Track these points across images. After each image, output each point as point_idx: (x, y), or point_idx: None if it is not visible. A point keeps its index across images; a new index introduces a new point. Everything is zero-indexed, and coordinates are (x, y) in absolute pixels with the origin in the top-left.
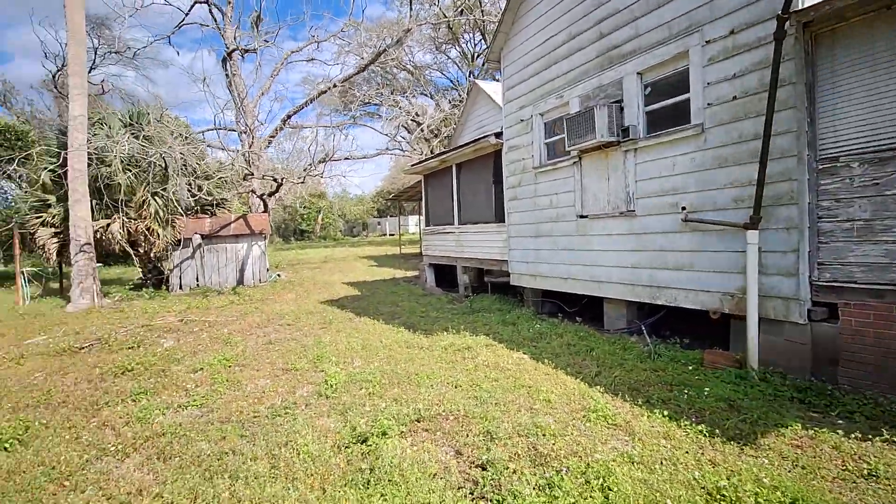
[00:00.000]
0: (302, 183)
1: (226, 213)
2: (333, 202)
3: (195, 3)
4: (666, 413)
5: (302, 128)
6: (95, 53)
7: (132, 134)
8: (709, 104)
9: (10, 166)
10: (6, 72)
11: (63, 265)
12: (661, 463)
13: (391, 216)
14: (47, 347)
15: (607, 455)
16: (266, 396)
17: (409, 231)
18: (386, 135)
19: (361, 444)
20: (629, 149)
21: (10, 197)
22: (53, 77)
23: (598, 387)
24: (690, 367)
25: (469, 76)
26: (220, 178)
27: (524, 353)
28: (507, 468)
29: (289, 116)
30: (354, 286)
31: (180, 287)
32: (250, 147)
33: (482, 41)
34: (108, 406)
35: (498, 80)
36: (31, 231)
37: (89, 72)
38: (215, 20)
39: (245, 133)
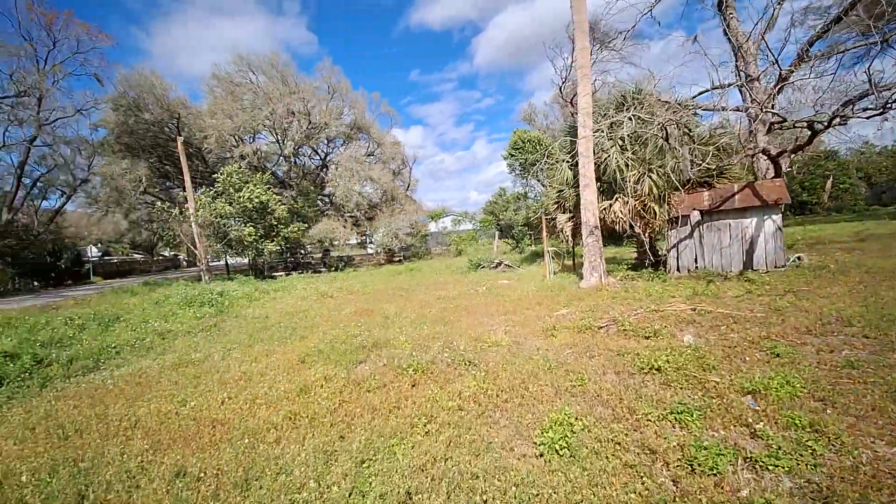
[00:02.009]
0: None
1: (726, 184)
2: (849, 160)
3: None
4: None
5: (828, 56)
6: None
7: (628, 117)
8: None
9: (535, 167)
10: (533, 101)
11: (574, 245)
12: None
13: None
14: (571, 321)
15: None
16: None
17: None
18: None
19: None
20: None
21: (537, 192)
22: (560, 88)
23: None
24: None
25: None
26: (722, 142)
27: None
28: None
29: (810, 44)
30: None
31: (677, 269)
32: (767, 93)
33: None
34: (651, 422)
35: None
36: (553, 217)
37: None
38: None
39: (747, 84)
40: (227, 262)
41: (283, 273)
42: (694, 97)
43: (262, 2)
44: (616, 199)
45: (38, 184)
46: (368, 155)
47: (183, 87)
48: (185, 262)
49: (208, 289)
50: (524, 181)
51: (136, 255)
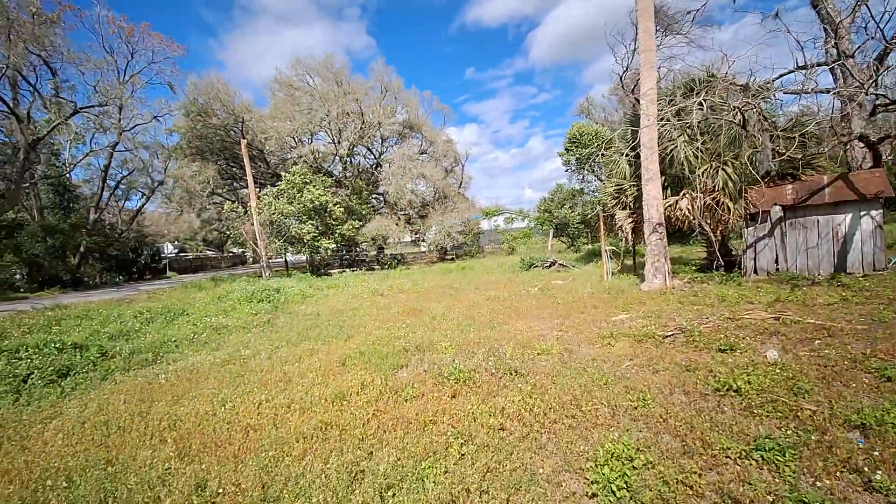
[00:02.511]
0: None
1: (813, 176)
2: None
3: None
4: None
5: None
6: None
7: (698, 103)
8: None
9: (591, 161)
10: (591, 94)
11: (635, 244)
12: None
13: None
14: (631, 329)
15: None
16: None
17: None
18: None
19: None
20: None
21: (594, 187)
22: (620, 78)
23: None
24: None
25: None
26: (808, 129)
27: None
28: None
29: None
30: None
31: (755, 271)
32: (868, 71)
33: None
34: (731, 459)
35: None
36: (611, 214)
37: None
38: None
39: (843, 62)
40: (286, 259)
41: (338, 270)
42: (774, 79)
43: (325, 9)
44: (683, 195)
45: (122, 186)
46: (421, 153)
47: (252, 94)
48: (250, 259)
49: (267, 285)
50: (580, 177)
51: (208, 252)
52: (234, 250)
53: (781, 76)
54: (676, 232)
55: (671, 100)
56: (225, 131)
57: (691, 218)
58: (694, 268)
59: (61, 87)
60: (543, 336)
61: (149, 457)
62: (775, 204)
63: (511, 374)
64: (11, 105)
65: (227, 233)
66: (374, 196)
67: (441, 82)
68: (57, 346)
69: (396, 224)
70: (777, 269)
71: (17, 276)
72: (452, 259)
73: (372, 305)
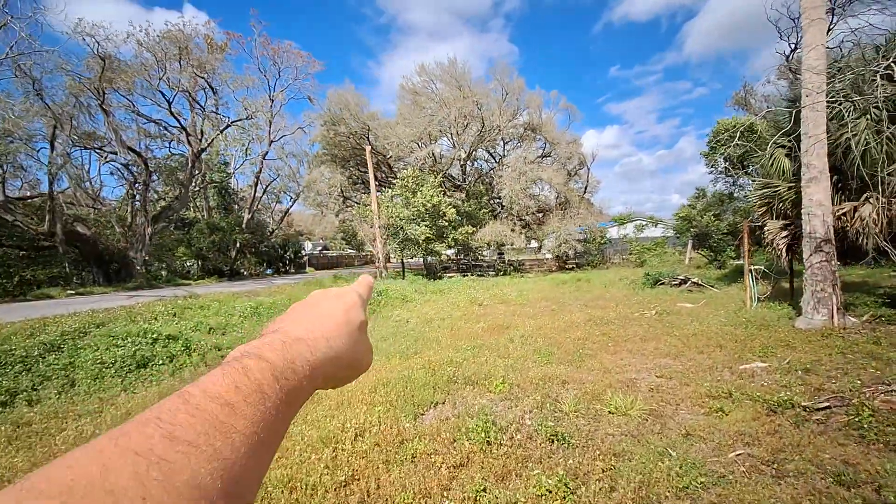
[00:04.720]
0: None
1: None
2: None
3: None
4: None
5: None
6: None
7: (885, 68)
8: None
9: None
10: (754, 86)
11: (793, 263)
12: None
13: None
14: (763, 388)
15: None
16: None
17: None
18: None
19: None
20: None
21: (747, 192)
22: (786, 58)
23: None
24: None
25: None
26: None
27: None
28: None
29: None
30: None
31: None
32: None
33: None
34: None
35: None
36: (760, 224)
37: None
38: None
39: None
40: (402, 260)
41: (452, 274)
42: None
43: (470, 23)
44: (866, 200)
45: (272, 190)
46: (543, 156)
47: (386, 102)
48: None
49: (375, 286)
50: (731, 180)
51: (348, 251)
52: (369, 249)
53: None
54: (853, 249)
55: (849, 70)
56: (355, 139)
57: (877, 231)
58: (879, 301)
59: (220, 104)
60: (633, 382)
61: None
62: None
63: (554, 440)
64: (186, 122)
65: (353, 233)
66: (492, 200)
67: (581, 83)
68: (153, 335)
69: (512, 230)
70: None
71: (193, 267)
72: (572, 268)
73: (462, 316)
